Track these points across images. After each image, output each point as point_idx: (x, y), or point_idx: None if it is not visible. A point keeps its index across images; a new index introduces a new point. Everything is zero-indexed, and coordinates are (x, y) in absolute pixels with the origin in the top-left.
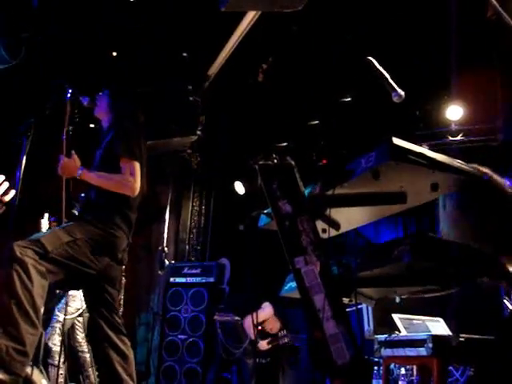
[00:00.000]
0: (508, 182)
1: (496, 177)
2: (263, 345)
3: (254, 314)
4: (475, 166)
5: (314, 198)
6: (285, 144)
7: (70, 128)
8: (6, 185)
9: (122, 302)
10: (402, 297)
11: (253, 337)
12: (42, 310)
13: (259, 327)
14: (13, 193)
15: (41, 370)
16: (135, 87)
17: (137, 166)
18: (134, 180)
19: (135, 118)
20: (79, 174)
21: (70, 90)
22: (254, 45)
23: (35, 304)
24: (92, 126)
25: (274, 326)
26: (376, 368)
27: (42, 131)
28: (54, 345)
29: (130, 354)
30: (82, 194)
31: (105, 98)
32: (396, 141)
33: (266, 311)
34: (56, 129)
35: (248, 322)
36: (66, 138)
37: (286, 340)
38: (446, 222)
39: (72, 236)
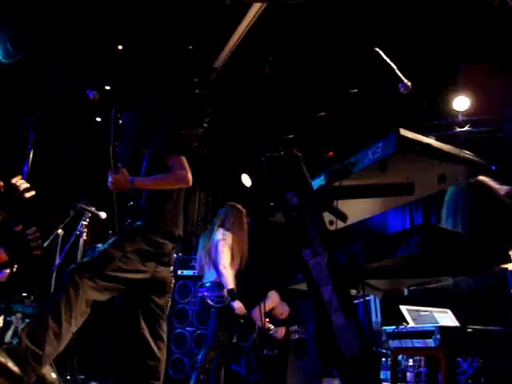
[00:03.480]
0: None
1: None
2: (280, 332)
3: (262, 305)
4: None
5: (321, 190)
6: (291, 136)
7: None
8: (25, 184)
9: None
10: (410, 288)
11: (261, 328)
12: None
13: (268, 316)
14: (33, 192)
15: (51, 364)
16: (141, 81)
17: (183, 159)
18: (186, 172)
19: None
20: (131, 184)
21: (114, 107)
22: (260, 37)
23: (71, 322)
24: (99, 119)
25: (282, 311)
26: (384, 359)
27: (47, 124)
28: None
29: (163, 357)
30: (131, 202)
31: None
32: (403, 132)
33: (273, 299)
34: (61, 122)
35: (255, 314)
36: (112, 153)
37: (296, 336)
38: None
39: (122, 250)
